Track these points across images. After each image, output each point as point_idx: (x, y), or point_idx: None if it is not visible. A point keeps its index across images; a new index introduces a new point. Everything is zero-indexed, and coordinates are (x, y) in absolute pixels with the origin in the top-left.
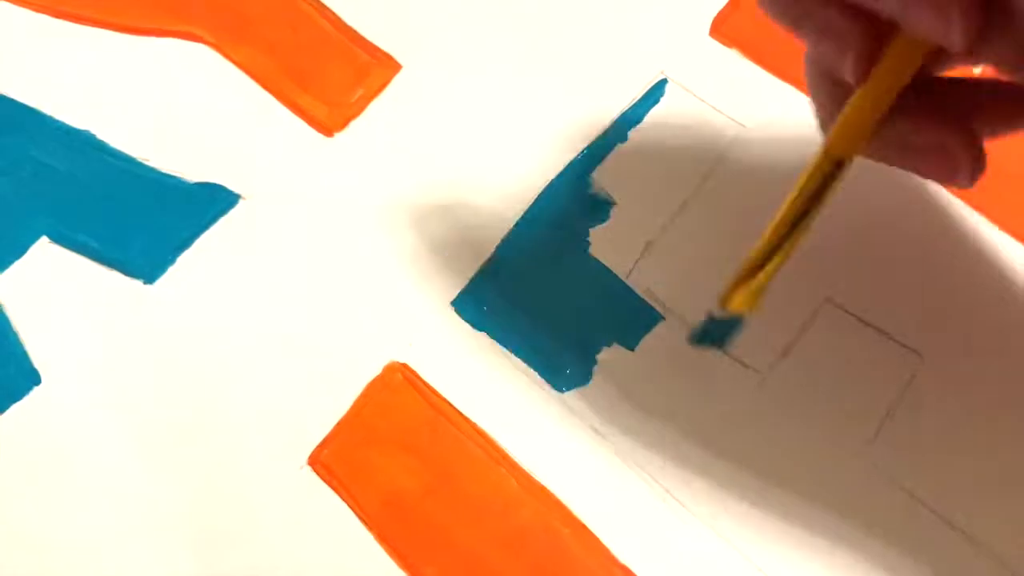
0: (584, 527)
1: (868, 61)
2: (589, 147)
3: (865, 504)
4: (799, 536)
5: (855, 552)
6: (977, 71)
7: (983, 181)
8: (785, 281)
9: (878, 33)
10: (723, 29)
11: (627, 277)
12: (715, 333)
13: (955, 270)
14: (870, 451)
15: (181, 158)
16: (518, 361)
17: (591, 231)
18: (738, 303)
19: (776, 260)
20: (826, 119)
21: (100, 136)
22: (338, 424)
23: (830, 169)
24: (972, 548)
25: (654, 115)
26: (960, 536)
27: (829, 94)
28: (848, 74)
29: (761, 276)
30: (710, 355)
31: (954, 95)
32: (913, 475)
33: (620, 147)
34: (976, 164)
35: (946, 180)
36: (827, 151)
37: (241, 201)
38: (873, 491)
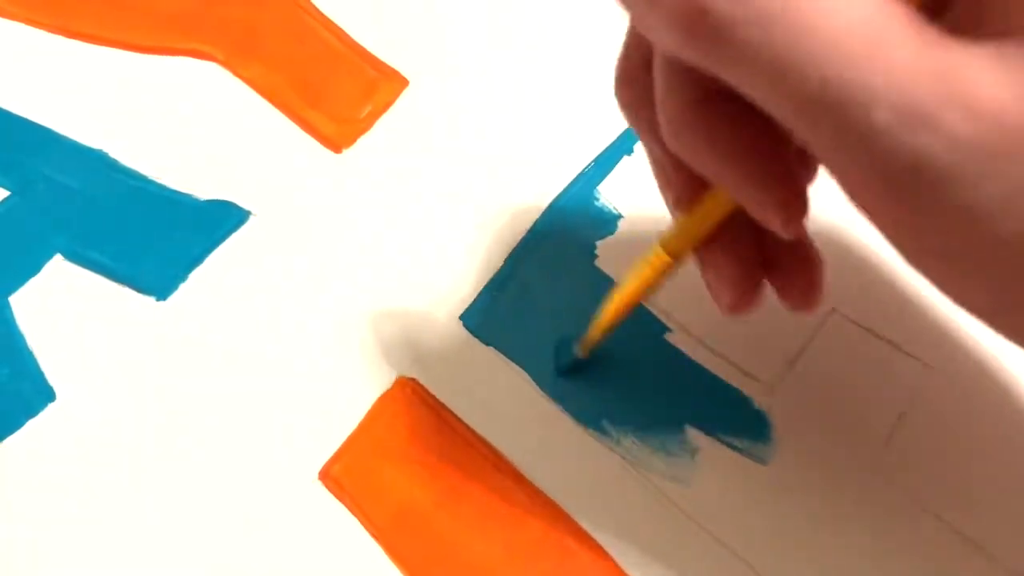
0: (592, 540)
1: (686, 201)
2: (595, 160)
3: (874, 515)
4: (808, 547)
5: (865, 560)
6: None
7: None
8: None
9: (697, 183)
10: None
11: None
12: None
13: None
14: (879, 462)
15: (192, 176)
16: (525, 375)
17: (598, 243)
18: (582, 350)
19: (607, 326)
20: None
21: (112, 155)
22: (348, 439)
23: (666, 264)
24: (983, 558)
25: None
26: (971, 546)
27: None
28: (666, 202)
29: (595, 333)
30: (718, 366)
31: (750, 241)
32: (923, 485)
33: (627, 160)
34: (736, 304)
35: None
36: (666, 250)
37: (252, 218)
38: (882, 502)
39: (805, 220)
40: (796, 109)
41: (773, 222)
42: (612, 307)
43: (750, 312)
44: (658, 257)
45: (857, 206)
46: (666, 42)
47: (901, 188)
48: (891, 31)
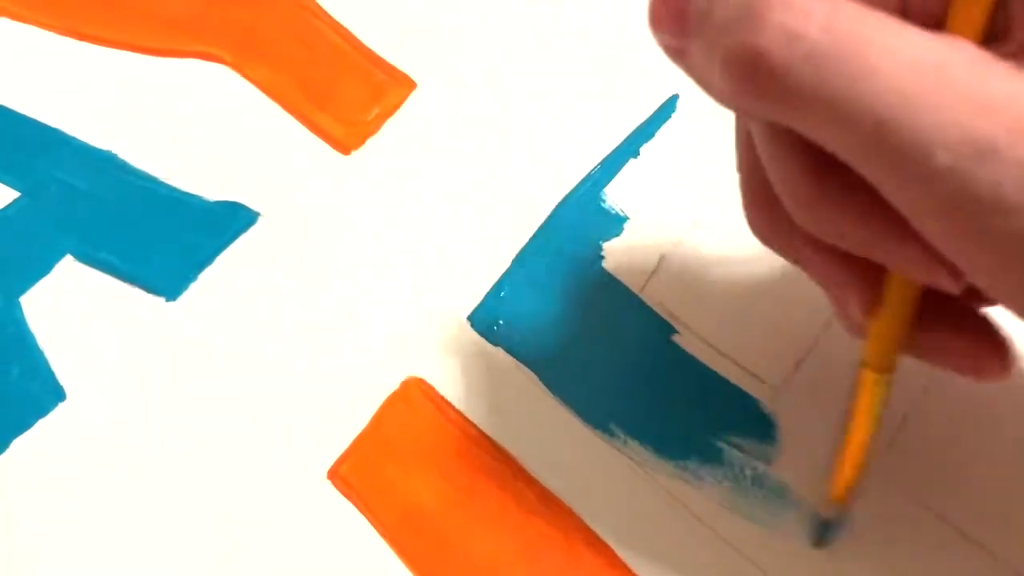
0: (600, 540)
1: (870, 302)
2: (602, 163)
3: (877, 514)
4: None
5: (867, 559)
6: None
7: None
8: (798, 294)
9: (874, 270)
10: None
11: (641, 291)
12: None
13: None
14: (882, 462)
15: (201, 177)
16: (533, 375)
17: (605, 246)
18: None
19: (852, 479)
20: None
21: (122, 156)
22: (356, 439)
23: (882, 383)
24: (986, 558)
25: (666, 131)
26: (974, 546)
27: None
28: (857, 316)
29: (840, 491)
30: (724, 368)
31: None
32: (928, 486)
33: (633, 162)
34: (1000, 358)
35: (982, 378)
36: (874, 369)
37: (260, 219)
38: (885, 501)
39: None
40: (853, 150)
41: (941, 280)
42: (851, 458)
43: (1013, 367)
44: (872, 380)
45: (931, 241)
46: (722, 90)
47: (969, 223)
48: (949, 68)
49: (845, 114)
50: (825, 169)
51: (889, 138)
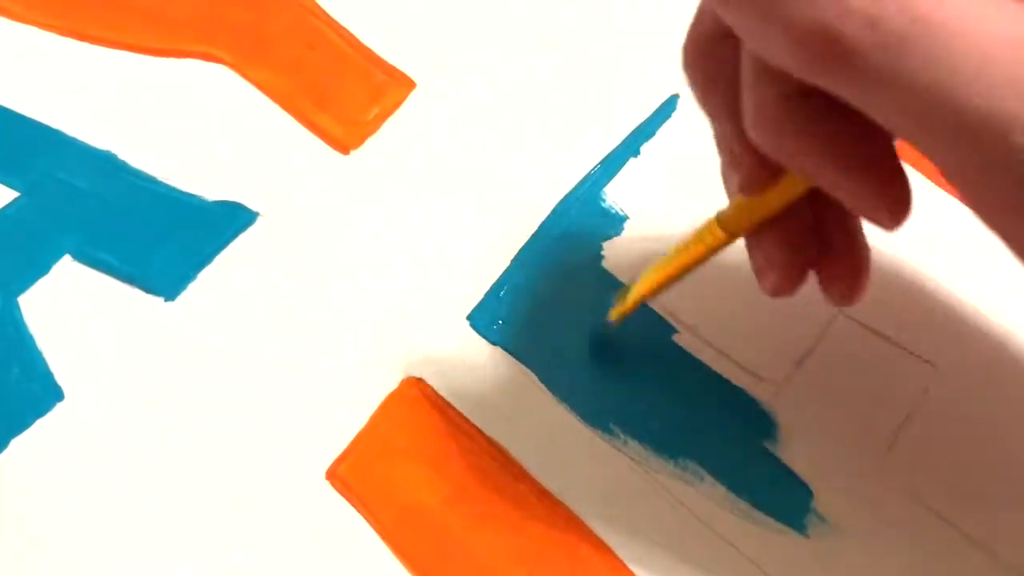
0: (599, 540)
1: (753, 187)
2: (602, 162)
3: (879, 514)
4: (814, 545)
5: (868, 558)
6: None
7: None
8: (798, 293)
9: (769, 167)
10: None
11: None
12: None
13: (968, 280)
14: (885, 463)
15: (200, 177)
16: (532, 375)
17: (604, 245)
18: (614, 317)
19: (648, 294)
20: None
21: (121, 156)
22: (355, 439)
23: (721, 240)
24: (988, 559)
25: (666, 130)
26: (976, 547)
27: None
28: (728, 188)
29: (632, 301)
30: (725, 367)
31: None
32: (929, 487)
33: (633, 162)
34: (780, 286)
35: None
36: (723, 227)
37: (260, 219)
38: (887, 501)
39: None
40: (927, 133)
41: (879, 217)
42: (656, 276)
43: (792, 295)
44: (712, 233)
45: (990, 226)
46: (785, 61)
47: None
48: None
49: (923, 98)
50: (808, 102)
51: (967, 122)
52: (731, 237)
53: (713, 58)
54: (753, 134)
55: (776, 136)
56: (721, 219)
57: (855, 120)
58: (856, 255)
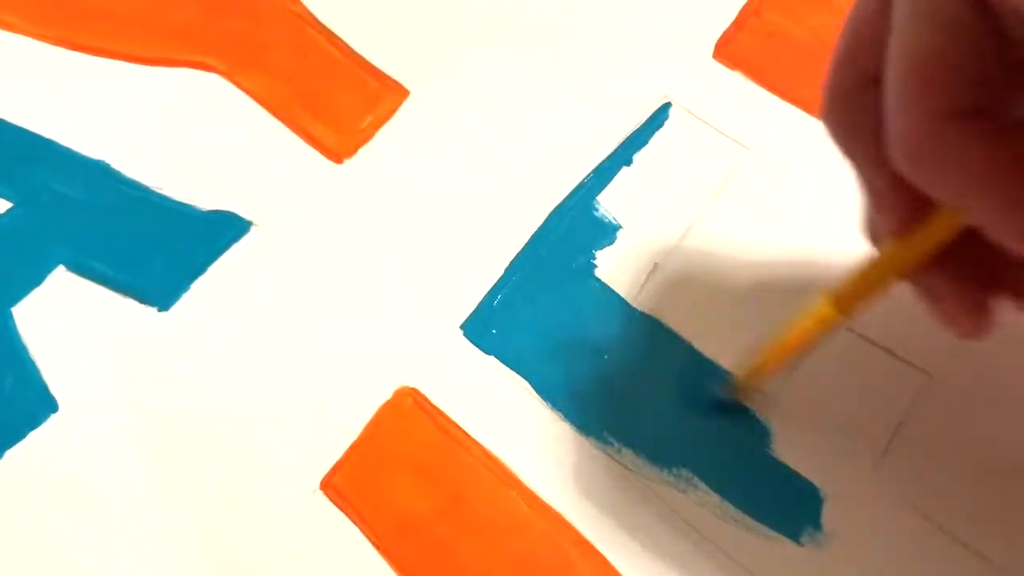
0: (593, 548)
1: (904, 228)
2: (595, 171)
3: (872, 521)
4: (807, 552)
5: (862, 565)
6: None
7: None
8: (791, 301)
9: (920, 204)
10: (726, 51)
11: (634, 300)
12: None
13: None
14: (879, 470)
15: (194, 186)
16: (526, 384)
17: (598, 254)
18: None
19: (763, 373)
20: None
21: (115, 166)
22: (350, 449)
23: (834, 320)
24: (981, 563)
25: (659, 138)
26: (968, 551)
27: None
28: (881, 230)
29: (748, 379)
30: (714, 373)
31: (974, 259)
32: (922, 494)
33: (626, 170)
34: (974, 329)
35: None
36: (838, 308)
37: (253, 228)
38: (882, 510)
39: None
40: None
41: None
42: (773, 355)
43: (988, 336)
44: (829, 317)
45: None
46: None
47: None
48: None
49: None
50: (963, 123)
51: None
52: (847, 314)
53: (855, 107)
54: (905, 165)
55: (930, 164)
56: (840, 297)
57: (1017, 143)
58: None
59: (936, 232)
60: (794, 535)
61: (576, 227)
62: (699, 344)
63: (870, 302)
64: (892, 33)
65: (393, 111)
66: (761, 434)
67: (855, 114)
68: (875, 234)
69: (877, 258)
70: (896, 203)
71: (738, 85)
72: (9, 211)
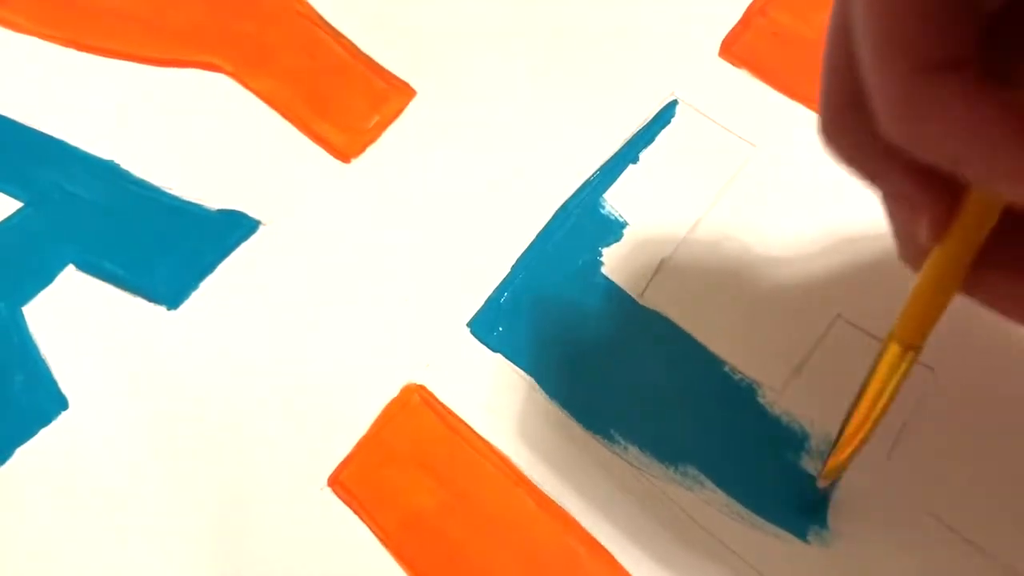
0: (599, 545)
1: (943, 223)
2: (601, 169)
3: (879, 520)
4: (814, 551)
5: (867, 562)
6: None
7: None
8: (797, 298)
9: (950, 193)
10: (732, 50)
11: (640, 296)
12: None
13: None
14: (884, 467)
15: (202, 186)
16: (532, 381)
17: (604, 251)
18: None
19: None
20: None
21: (124, 166)
22: (357, 445)
23: (911, 360)
24: (985, 561)
25: (665, 136)
26: (973, 549)
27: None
28: (924, 238)
29: (838, 463)
30: (720, 371)
31: None
32: (928, 491)
33: (632, 168)
34: None
35: None
36: (902, 344)
37: (261, 227)
38: (888, 507)
39: None
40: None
41: None
42: (856, 432)
43: None
44: (897, 356)
45: None
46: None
47: None
48: None
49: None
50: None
51: None
52: (914, 347)
53: (853, 127)
54: (892, 127)
55: (924, 122)
56: (899, 334)
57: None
58: None
59: (974, 221)
60: (801, 533)
61: (583, 224)
62: (706, 341)
63: (934, 325)
64: None
65: (400, 111)
66: (767, 431)
67: (855, 127)
68: (913, 255)
69: (925, 278)
70: (923, 199)
71: (744, 83)
72: (19, 211)
